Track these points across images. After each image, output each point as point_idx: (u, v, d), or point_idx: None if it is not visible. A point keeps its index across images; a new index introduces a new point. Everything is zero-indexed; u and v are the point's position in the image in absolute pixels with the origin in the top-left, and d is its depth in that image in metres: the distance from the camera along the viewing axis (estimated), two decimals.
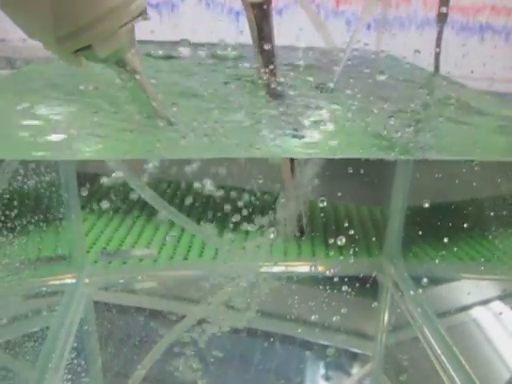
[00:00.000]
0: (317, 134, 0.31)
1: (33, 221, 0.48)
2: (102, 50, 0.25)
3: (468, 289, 0.55)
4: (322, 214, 0.60)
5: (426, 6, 0.60)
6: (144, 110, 0.29)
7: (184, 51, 0.37)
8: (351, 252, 0.57)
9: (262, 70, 0.38)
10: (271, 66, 0.38)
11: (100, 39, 0.24)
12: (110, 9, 0.23)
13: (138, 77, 0.28)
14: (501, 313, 0.53)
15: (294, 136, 0.30)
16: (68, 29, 0.23)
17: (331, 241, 0.57)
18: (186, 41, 0.34)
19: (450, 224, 0.52)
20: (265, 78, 0.39)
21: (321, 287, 0.51)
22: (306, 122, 0.32)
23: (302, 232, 0.36)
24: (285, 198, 0.37)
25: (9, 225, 0.45)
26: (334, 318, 0.50)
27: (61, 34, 0.23)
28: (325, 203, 0.45)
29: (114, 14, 0.24)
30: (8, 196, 0.45)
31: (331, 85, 0.39)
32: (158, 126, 0.29)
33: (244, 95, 0.38)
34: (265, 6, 0.37)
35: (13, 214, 0.45)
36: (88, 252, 0.57)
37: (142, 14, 0.26)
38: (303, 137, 0.30)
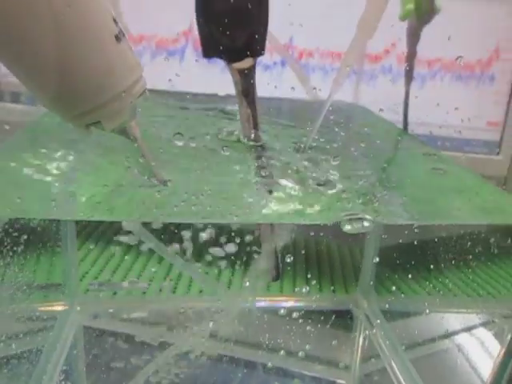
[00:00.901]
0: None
1: (28, 249, 0.51)
2: (110, 125, 0.29)
3: (434, 322, 0.60)
4: (303, 252, 0.65)
5: (400, 61, 0.65)
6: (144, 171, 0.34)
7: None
8: (330, 287, 0.62)
9: (245, 123, 0.44)
10: (254, 121, 0.44)
11: (108, 117, 0.29)
12: (117, 93, 0.28)
13: (137, 142, 0.32)
14: (465, 345, 0.58)
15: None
16: (80, 110, 0.28)
17: (311, 277, 0.62)
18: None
19: (419, 261, 0.57)
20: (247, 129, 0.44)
21: (300, 320, 0.55)
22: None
23: (277, 277, 0.40)
24: (263, 248, 0.41)
25: (5, 253, 0.48)
26: (312, 349, 0.54)
27: (73, 114, 0.28)
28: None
29: (121, 97, 0.28)
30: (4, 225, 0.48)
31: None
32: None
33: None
34: (249, 71, 0.42)
35: (10, 243, 0.48)
36: (80, 280, 0.60)
37: (143, 93, 0.30)
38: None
